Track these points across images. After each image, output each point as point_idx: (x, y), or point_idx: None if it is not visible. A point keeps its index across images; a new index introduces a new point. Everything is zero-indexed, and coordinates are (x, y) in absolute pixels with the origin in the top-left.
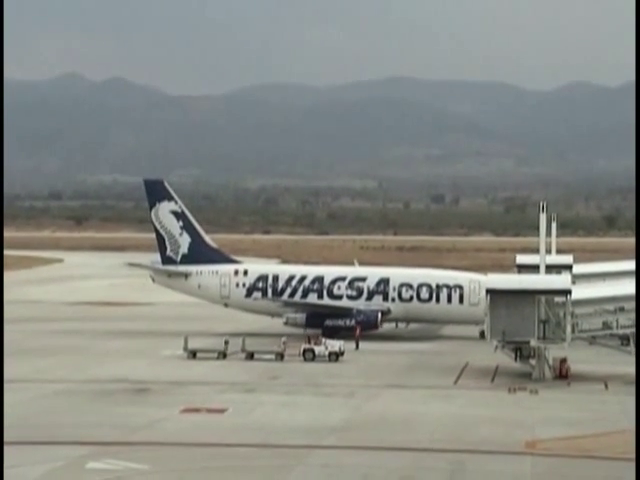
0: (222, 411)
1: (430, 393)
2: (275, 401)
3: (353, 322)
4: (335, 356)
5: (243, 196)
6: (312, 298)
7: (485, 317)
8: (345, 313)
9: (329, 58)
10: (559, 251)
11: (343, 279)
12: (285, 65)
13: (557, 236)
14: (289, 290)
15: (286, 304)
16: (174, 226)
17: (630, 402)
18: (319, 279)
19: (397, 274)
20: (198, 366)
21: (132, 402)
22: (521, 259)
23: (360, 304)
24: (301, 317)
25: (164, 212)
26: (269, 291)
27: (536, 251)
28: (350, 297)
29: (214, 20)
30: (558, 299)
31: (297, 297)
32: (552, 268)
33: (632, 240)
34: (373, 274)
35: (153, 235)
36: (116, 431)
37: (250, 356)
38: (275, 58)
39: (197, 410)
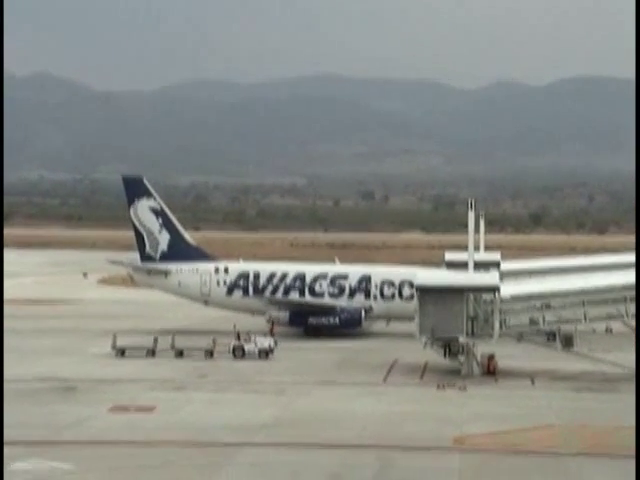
0: (151, 409)
1: (359, 390)
2: (204, 399)
3: (337, 320)
4: (265, 353)
5: (173, 193)
6: (294, 296)
7: (415, 314)
8: (328, 311)
9: (257, 55)
10: (487, 248)
11: (325, 277)
12: (213, 62)
13: (485, 233)
14: (270, 288)
15: (271, 302)
16: (153, 223)
17: (555, 397)
18: (300, 277)
19: (379, 272)
20: (127, 364)
21: (59, 401)
22: (450, 256)
23: (342, 302)
24: (284, 315)
25: (143, 209)
26: (250, 289)
27: (464, 248)
28: (332, 295)
29: (141, 16)
30: (486, 296)
31: (279, 295)
32: (480, 265)
33: (558, 237)
34: (355, 272)
35: (80, 232)
36: (43, 430)
37: (179, 354)
38: (202, 55)
39: (125, 408)
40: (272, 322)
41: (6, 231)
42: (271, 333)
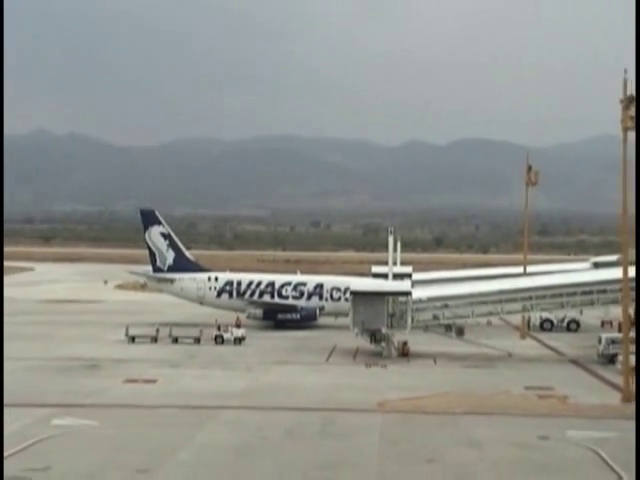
0: (154, 381)
1: (308, 368)
2: (194, 374)
3: (298, 316)
4: (239, 341)
5: (170, 221)
6: (266, 298)
7: (349, 312)
8: (292, 309)
9: (238, 118)
10: (402, 263)
11: (289, 284)
12: (204, 123)
13: (401, 252)
14: (249, 292)
15: (249, 302)
16: (162, 244)
17: (450, 372)
18: (271, 284)
19: (329, 280)
20: (136, 348)
21: (85, 375)
22: (375, 269)
23: (302, 302)
24: (259, 312)
25: (155, 234)
26: (234, 293)
27: (386, 263)
28: (295, 297)
29: (152, 91)
30: (401, 298)
31: (255, 297)
32: (397, 276)
33: (453, 256)
34: (311, 280)
35: (102, 250)
36: (74, 396)
37: (175, 340)
38: (196, 118)
39: (135, 381)
40: (238, 317)
41: (47, 250)
42: (237, 326)
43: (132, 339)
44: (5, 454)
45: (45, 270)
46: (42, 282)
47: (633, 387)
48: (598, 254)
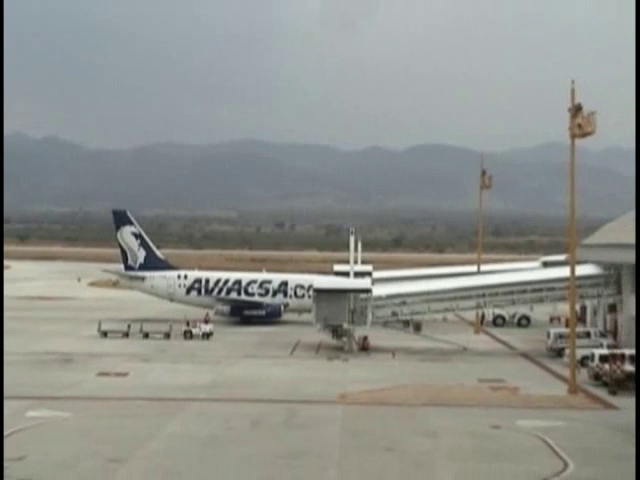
0: (125, 374)
1: (273, 361)
2: (164, 367)
3: (264, 312)
4: (207, 336)
5: (142, 222)
6: (233, 295)
7: (312, 308)
8: (258, 306)
9: (206, 124)
10: (363, 262)
11: (255, 282)
12: (174, 129)
13: (361, 252)
14: (217, 289)
15: (217, 299)
16: (134, 243)
17: (408, 366)
18: (238, 282)
19: (293, 278)
20: (108, 343)
21: (60, 368)
22: (337, 267)
23: (267, 299)
24: (227, 308)
25: (127, 233)
26: (203, 290)
27: (347, 262)
28: (260, 295)
29: (129, 91)
30: (362, 295)
31: (223, 294)
32: (358, 274)
33: (411, 255)
34: (276, 278)
35: (76, 249)
36: (49, 389)
37: (146, 336)
38: (168, 123)
39: (107, 374)
40: (207, 314)
41: (23, 248)
42: (206, 322)
43: (104, 334)
44: None
45: (21, 268)
46: (18, 279)
47: (578, 379)
48: (547, 254)
